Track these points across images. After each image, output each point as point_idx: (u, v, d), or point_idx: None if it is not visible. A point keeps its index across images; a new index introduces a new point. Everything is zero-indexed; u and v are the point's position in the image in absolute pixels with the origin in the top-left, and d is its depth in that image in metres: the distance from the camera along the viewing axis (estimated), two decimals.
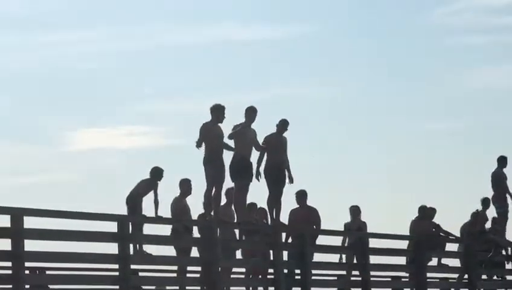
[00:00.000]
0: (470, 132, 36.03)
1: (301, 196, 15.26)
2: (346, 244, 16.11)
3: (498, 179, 18.70)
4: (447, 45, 36.96)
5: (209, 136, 13.46)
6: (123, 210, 13.96)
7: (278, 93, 34.80)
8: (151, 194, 14.28)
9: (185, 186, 14.28)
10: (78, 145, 35.56)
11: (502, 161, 18.78)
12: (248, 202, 14.07)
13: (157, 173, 14.22)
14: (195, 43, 35.61)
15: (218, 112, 13.59)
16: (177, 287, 13.80)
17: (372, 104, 36.27)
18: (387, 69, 37.08)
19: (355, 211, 16.61)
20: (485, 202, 18.43)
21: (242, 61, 36.96)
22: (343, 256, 16.02)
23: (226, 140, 13.81)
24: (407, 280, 17.02)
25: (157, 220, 13.73)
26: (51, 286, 12.49)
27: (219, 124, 13.65)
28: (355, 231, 16.29)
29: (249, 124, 13.96)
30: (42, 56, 34.08)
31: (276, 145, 14.17)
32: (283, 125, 14.30)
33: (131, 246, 12.23)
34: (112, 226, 11.89)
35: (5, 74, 33.28)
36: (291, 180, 14.24)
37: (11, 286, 10.49)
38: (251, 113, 13.96)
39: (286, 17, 36.43)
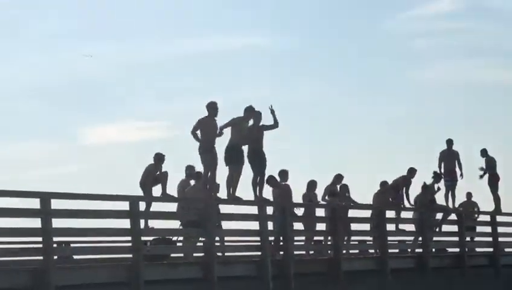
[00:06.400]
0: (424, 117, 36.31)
1: (281, 175, 15.19)
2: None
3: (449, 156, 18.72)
4: (405, 46, 37.29)
5: (206, 128, 13.44)
6: (134, 192, 13.85)
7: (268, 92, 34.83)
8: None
9: (190, 170, 14.26)
10: (93, 140, 35.52)
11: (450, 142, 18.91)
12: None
13: (159, 158, 14.07)
14: (188, 53, 35.85)
15: (213, 108, 13.58)
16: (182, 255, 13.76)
17: (342, 97, 36.50)
18: (353, 68, 37.39)
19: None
20: (436, 176, 18.46)
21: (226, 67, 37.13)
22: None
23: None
24: (371, 243, 17.03)
25: (164, 198, 13.64)
26: (74, 257, 12.44)
27: (215, 118, 13.66)
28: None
29: (246, 119, 13.97)
30: (64, 68, 34.19)
31: (255, 135, 14.11)
32: (248, 111, 13.99)
33: (142, 221, 12.13)
34: (124, 206, 11.86)
35: (35, 83, 33.41)
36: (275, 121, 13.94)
37: (42, 257, 10.51)
38: (248, 111, 13.95)
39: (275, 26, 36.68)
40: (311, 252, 16.10)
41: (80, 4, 34.62)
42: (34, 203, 10.65)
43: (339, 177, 16.47)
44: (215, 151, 13.59)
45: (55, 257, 10.96)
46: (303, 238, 15.83)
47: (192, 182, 14.24)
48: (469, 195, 19.86)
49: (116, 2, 36.52)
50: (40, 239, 10.66)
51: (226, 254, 14.10)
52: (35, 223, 10.70)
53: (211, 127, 13.53)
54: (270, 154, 14.37)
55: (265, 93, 33.93)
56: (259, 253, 13.19)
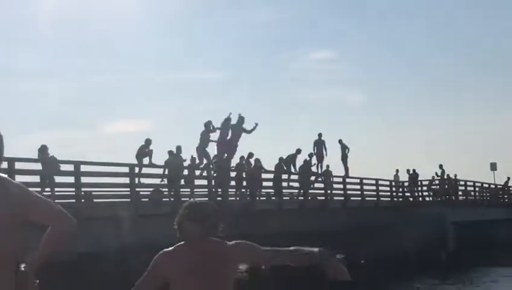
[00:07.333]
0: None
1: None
2: None
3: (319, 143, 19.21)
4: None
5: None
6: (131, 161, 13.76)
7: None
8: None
9: (178, 150, 14.02)
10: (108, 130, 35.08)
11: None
12: None
13: (148, 141, 14.03)
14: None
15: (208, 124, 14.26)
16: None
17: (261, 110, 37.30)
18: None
19: None
20: (312, 154, 18.84)
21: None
22: None
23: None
24: (273, 193, 17.11)
25: (150, 165, 13.78)
26: (95, 200, 12.37)
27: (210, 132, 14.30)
28: None
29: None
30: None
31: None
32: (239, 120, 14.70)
33: (136, 179, 12.42)
34: (126, 169, 12.09)
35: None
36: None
37: (75, 201, 10.57)
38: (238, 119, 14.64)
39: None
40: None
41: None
42: (69, 168, 10.84)
43: (250, 154, 16.39)
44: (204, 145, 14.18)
45: (83, 200, 11.09)
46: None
47: (183, 156, 14.46)
48: (328, 166, 20.29)
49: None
50: (73, 189, 10.81)
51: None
52: (71, 179, 10.89)
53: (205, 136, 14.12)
54: None
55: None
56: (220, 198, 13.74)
